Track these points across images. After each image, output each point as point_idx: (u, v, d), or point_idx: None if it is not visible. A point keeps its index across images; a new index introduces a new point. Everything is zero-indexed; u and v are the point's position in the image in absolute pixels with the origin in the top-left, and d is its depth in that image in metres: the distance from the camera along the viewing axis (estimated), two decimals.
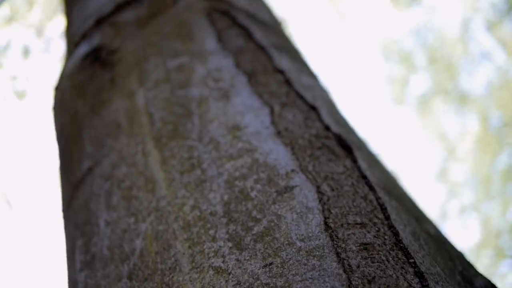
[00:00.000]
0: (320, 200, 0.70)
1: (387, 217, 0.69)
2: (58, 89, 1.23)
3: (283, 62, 1.01)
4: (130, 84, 1.03)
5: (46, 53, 4.21)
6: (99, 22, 1.23)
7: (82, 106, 1.09)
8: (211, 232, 0.70)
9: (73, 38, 1.36)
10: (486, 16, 8.13)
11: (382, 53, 7.85)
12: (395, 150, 9.02)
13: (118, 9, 1.23)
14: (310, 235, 0.65)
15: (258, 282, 0.61)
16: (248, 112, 0.86)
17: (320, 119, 0.87)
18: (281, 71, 0.97)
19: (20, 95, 4.18)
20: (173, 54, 1.03)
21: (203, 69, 0.98)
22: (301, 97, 0.91)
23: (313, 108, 0.89)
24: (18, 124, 4.30)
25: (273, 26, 1.17)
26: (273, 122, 0.84)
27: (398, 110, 8.23)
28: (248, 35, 1.06)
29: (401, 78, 8.07)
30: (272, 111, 0.86)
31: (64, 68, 1.25)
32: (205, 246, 0.69)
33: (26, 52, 4.13)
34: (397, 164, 8.87)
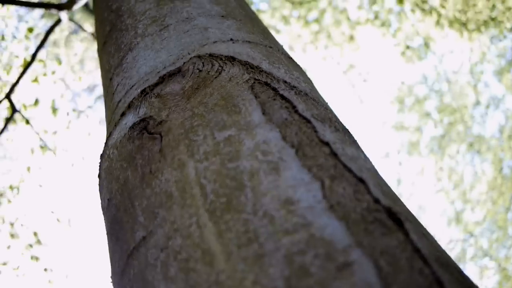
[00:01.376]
0: (379, 276, 0.73)
1: None
2: (105, 157, 1.28)
3: (327, 134, 1.05)
4: (180, 155, 1.08)
5: (73, 109, 4.30)
6: (145, 92, 1.29)
7: (132, 176, 1.14)
8: None
9: (117, 106, 1.42)
10: (495, 63, 8.23)
11: (396, 101, 7.93)
12: (410, 195, 8.99)
13: (162, 80, 1.29)
14: None
15: None
16: (299, 186, 0.90)
17: (369, 192, 0.90)
18: (326, 143, 1.01)
19: (48, 149, 4.26)
20: (221, 126, 1.08)
21: (251, 142, 1.02)
22: (348, 169, 0.95)
23: (361, 180, 0.93)
24: (45, 178, 4.36)
25: (313, 96, 1.22)
26: (325, 196, 0.88)
27: (412, 157, 8.25)
28: (292, 107, 1.11)
29: (415, 124, 8.13)
30: (322, 185, 0.90)
31: (110, 136, 1.31)
32: None
33: (54, 108, 4.24)
34: (413, 207, 8.83)
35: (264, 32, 1.64)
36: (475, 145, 8.46)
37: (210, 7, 1.69)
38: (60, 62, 4.45)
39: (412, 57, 7.17)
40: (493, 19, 6.54)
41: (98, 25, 2.08)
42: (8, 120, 4.24)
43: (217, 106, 1.14)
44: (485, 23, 6.56)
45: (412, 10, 6.06)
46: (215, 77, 1.22)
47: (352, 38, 6.51)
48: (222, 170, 0.99)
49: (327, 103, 1.30)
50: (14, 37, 5.07)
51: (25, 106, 4.41)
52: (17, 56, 4.76)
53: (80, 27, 6.79)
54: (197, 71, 1.25)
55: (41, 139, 4.57)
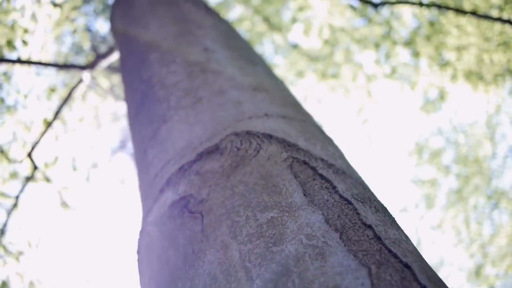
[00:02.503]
0: None
1: None
2: (145, 233, 1.29)
3: (369, 216, 1.06)
4: (223, 236, 1.09)
5: (93, 165, 4.36)
6: (183, 169, 1.31)
7: (174, 256, 1.15)
8: None
9: (154, 181, 1.45)
10: (511, 115, 8.25)
11: (412, 154, 7.93)
12: (428, 248, 8.85)
13: (200, 157, 1.32)
14: None
15: None
16: (346, 273, 0.91)
17: (416, 279, 0.90)
18: (369, 226, 1.02)
19: (67, 207, 4.29)
20: (263, 207, 1.09)
21: (294, 224, 1.03)
22: (394, 254, 0.95)
23: (407, 266, 0.93)
24: (65, 235, 4.37)
25: (350, 173, 1.24)
26: (372, 284, 0.88)
27: (430, 210, 8.17)
28: (332, 187, 1.12)
29: (432, 177, 8.09)
30: (369, 272, 0.90)
31: (149, 212, 1.32)
32: None
33: (74, 165, 4.29)
34: (432, 261, 8.68)
35: (295, 103, 1.68)
36: (494, 197, 8.37)
37: (241, 79, 1.72)
38: (80, 120, 4.53)
39: (428, 109, 7.21)
40: (509, 71, 6.59)
41: (128, 93, 2.12)
42: (29, 178, 4.29)
43: (257, 186, 1.15)
44: (501, 75, 6.62)
45: (428, 64, 6.13)
46: (254, 156, 1.24)
47: (368, 92, 6.58)
48: (266, 253, 1.00)
49: (362, 179, 1.32)
50: (35, 95, 5.18)
51: (46, 165, 4.47)
52: (38, 115, 4.85)
53: (95, 82, 6.95)
54: (236, 149, 1.27)
55: (61, 196, 4.61)
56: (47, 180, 4.45)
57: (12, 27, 4.42)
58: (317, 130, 1.47)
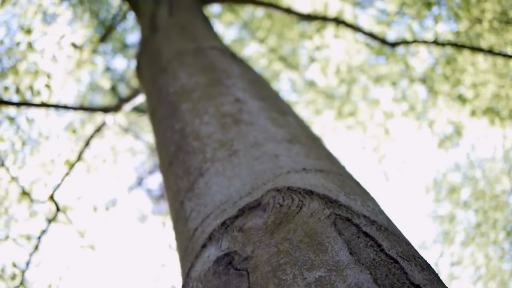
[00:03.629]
0: None
1: None
2: None
3: (416, 275, 1.07)
4: None
5: (113, 205, 4.39)
6: (225, 225, 1.33)
7: None
8: None
9: (194, 235, 1.47)
10: None
11: (429, 190, 7.90)
12: (447, 285, 8.72)
13: (242, 212, 1.34)
14: None
15: None
16: None
17: None
18: (417, 286, 1.03)
19: (89, 248, 4.31)
20: (309, 265, 1.11)
21: (342, 284, 1.04)
22: None
23: None
24: (85, 276, 4.38)
25: (392, 230, 1.26)
26: None
27: (449, 246, 8.08)
28: (377, 245, 1.14)
29: (450, 213, 8.03)
30: None
31: (192, 268, 1.34)
32: None
33: (94, 206, 4.33)
34: None
35: (329, 155, 1.70)
36: None
37: (275, 131, 1.76)
38: (104, 161, 4.59)
39: (445, 145, 7.21)
40: None
41: (160, 142, 2.16)
42: (51, 220, 4.33)
43: (302, 243, 1.17)
44: None
45: (445, 101, 6.16)
46: (297, 213, 1.26)
47: (386, 129, 6.60)
48: None
49: (403, 234, 1.33)
50: (57, 137, 5.26)
51: (67, 207, 4.51)
52: (59, 156, 4.92)
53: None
54: (278, 205, 1.29)
55: (82, 237, 4.64)
56: (69, 221, 4.49)
57: (36, 73, 4.53)
58: (354, 184, 1.49)
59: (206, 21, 3.44)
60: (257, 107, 1.95)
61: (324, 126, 6.90)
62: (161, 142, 2.17)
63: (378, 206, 1.40)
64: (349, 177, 1.54)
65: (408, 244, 1.24)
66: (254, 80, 2.32)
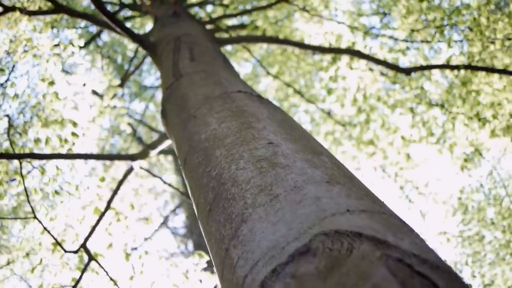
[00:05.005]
0: None
1: None
2: None
3: None
4: None
5: (145, 252, 4.42)
6: (277, 272, 1.36)
7: None
8: None
9: (244, 282, 1.49)
10: None
11: (455, 212, 7.85)
12: None
13: (292, 259, 1.37)
14: None
15: None
16: None
17: None
18: None
19: None
20: None
21: None
22: None
23: None
24: None
25: (444, 268, 1.27)
26: None
27: (479, 266, 7.99)
28: (433, 284, 1.16)
29: (477, 233, 7.95)
30: None
31: None
32: None
33: (126, 252, 4.36)
34: None
35: (368, 192, 1.73)
36: None
37: (312, 172, 1.79)
38: (132, 207, 4.64)
39: (467, 166, 7.19)
40: None
41: (196, 190, 2.20)
42: (84, 269, 4.36)
43: (356, 287, 1.19)
44: None
45: (465, 124, 6.17)
46: (347, 256, 1.28)
47: (406, 155, 6.62)
48: None
49: (452, 268, 1.35)
50: (85, 185, 5.34)
51: (98, 254, 4.55)
52: (89, 205, 4.98)
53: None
54: (328, 250, 1.31)
55: (115, 284, 4.66)
56: (101, 268, 4.52)
57: (62, 122, 4.63)
58: (398, 221, 1.51)
59: (227, 63, 3.52)
60: (291, 149, 1.99)
61: (344, 154, 6.94)
62: (197, 189, 2.21)
63: (424, 241, 1.42)
64: (392, 214, 1.56)
65: (460, 280, 1.25)
66: (283, 121, 2.37)
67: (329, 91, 6.40)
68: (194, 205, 2.27)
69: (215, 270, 1.89)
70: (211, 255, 1.96)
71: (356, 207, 1.52)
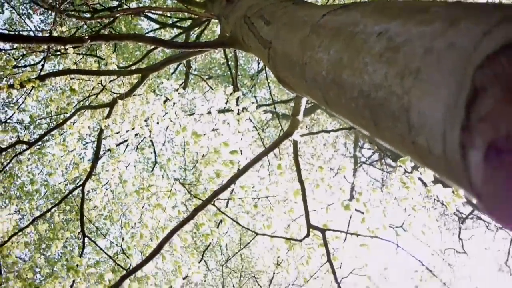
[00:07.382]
0: None
1: None
2: None
3: None
4: None
5: None
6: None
7: None
8: None
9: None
10: None
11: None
12: None
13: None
14: None
15: None
16: None
17: None
18: None
19: None
20: None
21: None
22: None
23: None
24: None
25: None
26: None
27: None
28: None
29: None
30: None
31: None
32: None
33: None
34: None
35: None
36: None
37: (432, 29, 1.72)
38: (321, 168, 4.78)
39: None
40: None
41: (354, 117, 2.23)
42: None
43: None
44: None
45: None
46: None
47: None
48: None
49: None
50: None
51: None
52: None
53: None
54: None
55: None
56: None
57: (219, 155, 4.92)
58: None
59: (298, 2, 3.49)
60: (398, 25, 1.93)
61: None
62: (353, 115, 2.23)
63: None
64: None
65: None
66: (375, 8, 2.31)
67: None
68: (364, 132, 2.30)
69: None
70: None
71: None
